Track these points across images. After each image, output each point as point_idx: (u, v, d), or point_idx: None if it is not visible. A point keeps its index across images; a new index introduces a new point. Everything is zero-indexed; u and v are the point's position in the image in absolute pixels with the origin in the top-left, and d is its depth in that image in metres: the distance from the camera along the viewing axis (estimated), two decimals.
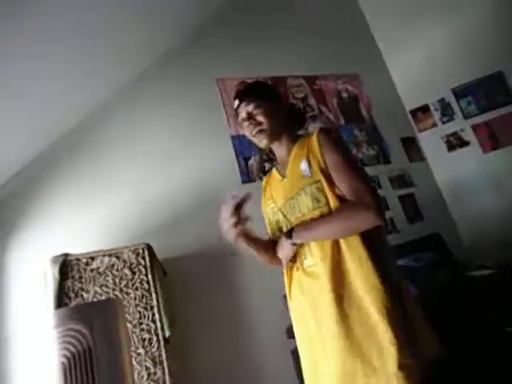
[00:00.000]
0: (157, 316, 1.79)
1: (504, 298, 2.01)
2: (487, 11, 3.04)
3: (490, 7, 3.04)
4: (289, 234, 1.12)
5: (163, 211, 2.34)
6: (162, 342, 1.75)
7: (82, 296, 1.73)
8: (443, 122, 3.11)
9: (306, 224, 1.12)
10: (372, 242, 1.08)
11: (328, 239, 1.09)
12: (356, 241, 1.07)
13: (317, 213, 1.11)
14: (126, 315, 1.71)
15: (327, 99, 3.11)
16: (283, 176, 1.26)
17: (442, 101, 3.12)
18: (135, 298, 1.79)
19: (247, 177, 2.64)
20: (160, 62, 2.69)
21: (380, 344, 0.98)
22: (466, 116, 3.02)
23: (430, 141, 3.15)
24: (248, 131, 1.28)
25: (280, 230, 1.26)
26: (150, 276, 1.84)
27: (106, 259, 1.82)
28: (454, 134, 3.04)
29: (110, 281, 1.79)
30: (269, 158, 2.75)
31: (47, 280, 1.76)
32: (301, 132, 1.39)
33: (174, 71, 2.72)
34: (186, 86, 2.71)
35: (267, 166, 2.72)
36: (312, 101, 3.07)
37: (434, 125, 3.14)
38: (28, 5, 1.59)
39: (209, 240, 2.37)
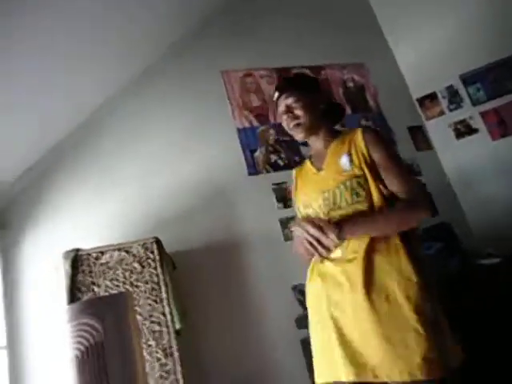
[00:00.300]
0: (167, 309, 1.81)
1: (509, 286, 2.00)
2: None
3: None
4: (337, 228, 1.08)
5: (171, 205, 2.36)
6: (172, 334, 1.78)
7: (93, 290, 1.76)
8: (451, 110, 3.06)
9: (357, 219, 1.11)
10: (408, 235, 1.11)
11: (376, 235, 1.10)
12: (396, 235, 1.10)
13: (357, 206, 1.12)
14: (137, 308, 1.74)
15: (333, 89, 3.09)
16: (319, 169, 1.27)
17: (450, 88, 3.07)
18: (145, 292, 1.82)
19: (253, 169, 2.64)
20: (164, 56, 2.68)
21: (407, 335, 0.99)
22: (475, 103, 2.97)
23: (438, 129, 3.11)
24: (286, 124, 1.31)
25: None
26: (159, 269, 1.87)
27: (116, 253, 1.84)
28: (463, 121, 3.00)
29: (120, 275, 1.82)
30: (275, 150, 2.75)
31: (59, 275, 1.79)
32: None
33: (179, 64, 2.72)
34: (191, 79, 2.71)
35: (273, 158, 2.72)
36: None
37: (442, 113, 3.10)
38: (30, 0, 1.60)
39: (217, 233, 2.40)
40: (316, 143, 1.33)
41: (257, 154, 2.70)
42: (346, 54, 3.19)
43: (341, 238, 1.06)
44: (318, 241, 1.06)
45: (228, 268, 2.35)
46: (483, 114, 2.92)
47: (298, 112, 1.26)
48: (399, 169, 1.14)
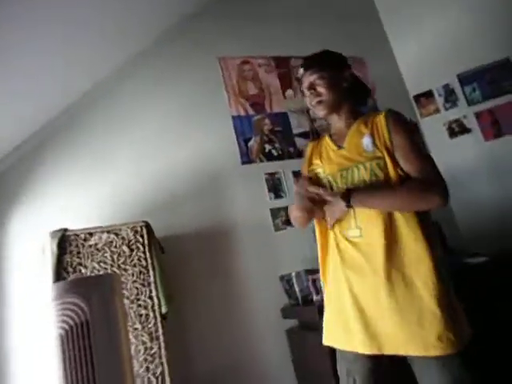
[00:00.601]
0: (154, 292, 1.81)
1: (497, 285, 2.04)
2: None
3: None
4: (345, 195, 1.11)
5: (162, 190, 2.34)
6: (158, 318, 1.78)
7: (80, 271, 1.75)
8: (446, 109, 3.08)
9: (366, 189, 1.14)
10: (425, 221, 1.14)
11: (385, 210, 1.12)
12: (413, 218, 1.12)
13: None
14: (124, 291, 1.73)
15: None
16: (340, 146, 1.28)
17: (446, 86, 3.08)
18: (133, 275, 1.81)
19: (247, 158, 2.63)
20: (160, 39, 2.63)
21: (423, 316, 1.04)
22: (470, 103, 2.98)
23: (432, 127, 3.12)
24: (308, 101, 1.32)
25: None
26: (147, 253, 1.86)
27: (105, 235, 1.83)
28: (457, 120, 3.01)
29: (108, 257, 1.80)
30: (269, 139, 2.74)
31: (46, 254, 1.77)
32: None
33: (176, 48, 2.67)
34: (187, 64, 2.67)
35: (267, 147, 2.71)
36: None
37: (437, 111, 3.11)
38: None
39: (207, 219, 2.39)
40: (337, 121, 1.33)
41: (251, 142, 2.68)
42: (346, 48, 3.15)
43: (350, 205, 1.10)
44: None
45: (216, 255, 2.35)
46: (478, 114, 2.94)
47: (321, 89, 1.27)
48: (418, 153, 1.15)
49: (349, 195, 1.11)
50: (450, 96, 3.06)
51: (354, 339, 1.13)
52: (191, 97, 2.61)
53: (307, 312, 2.08)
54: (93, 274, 1.68)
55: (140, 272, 1.82)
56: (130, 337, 1.67)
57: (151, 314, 1.78)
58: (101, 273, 1.71)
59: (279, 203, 2.57)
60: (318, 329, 1.92)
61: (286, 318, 2.28)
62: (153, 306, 1.79)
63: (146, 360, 1.73)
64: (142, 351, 1.73)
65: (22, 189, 2.16)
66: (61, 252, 1.75)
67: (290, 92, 2.93)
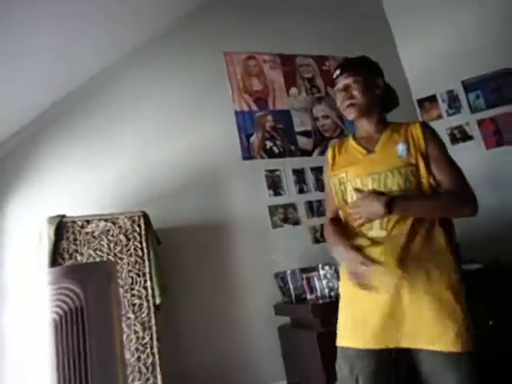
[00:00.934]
0: (148, 283, 1.81)
1: (491, 292, 2.05)
2: (505, 4, 2.96)
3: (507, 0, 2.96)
4: (388, 203, 1.11)
5: (162, 181, 2.34)
6: (152, 309, 1.78)
7: (76, 258, 1.75)
8: (449, 114, 3.08)
9: (408, 197, 1.17)
10: (446, 222, 1.21)
11: (421, 216, 1.17)
12: (437, 222, 1.18)
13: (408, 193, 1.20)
14: (119, 280, 1.73)
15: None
16: (370, 151, 1.30)
17: (450, 92, 3.08)
18: (128, 264, 1.81)
19: (248, 154, 2.63)
20: (170, 28, 2.63)
21: (444, 313, 1.09)
22: (473, 110, 2.99)
23: None
24: (340, 102, 1.34)
25: (343, 199, 1.31)
26: (144, 243, 1.86)
27: (102, 224, 1.82)
28: (459, 127, 3.02)
29: (105, 245, 1.80)
30: (271, 136, 2.74)
31: (42, 240, 1.77)
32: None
33: (183, 39, 2.67)
34: (194, 55, 2.67)
35: (268, 144, 2.71)
36: (319, 82, 3.03)
37: (440, 116, 3.11)
38: None
39: (205, 213, 2.39)
40: (366, 126, 1.34)
41: (252, 138, 2.68)
42: (352, 48, 3.14)
43: (391, 211, 1.11)
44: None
45: (212, 249, 2.35)
46: (480, 122, 2.94)
47: (355, 92, 1.29)
48: (452, 166, 1.22)
49: (391, 203, 1.11)
50: (453, 102, 3.06)
51: (369, 335, 1.15)
52: (197, 88, 2.61)
53: (300, 310, 2.09)
54: (89, 261, 1.68)
55: (135, 262, 1.82)
56: (123, 326, 1.68)
57: (145, 304, 1.78)
58: (97, 260, 1.71)
59: (278, 200, 2.58)
60: (310, 327, 1.94)
61: (278, 314, 2.29)
62: (147, 296, 1.80)
63: (137, 350, 1.73)
64: (134, 341, 1.73)
65: (20, 175, 2.16)
66: (57, 238, 1.75)
67: (293, 90, 2.93)
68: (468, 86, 3.02)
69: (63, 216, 1.80)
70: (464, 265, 2.31)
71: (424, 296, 1.11)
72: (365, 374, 1.16)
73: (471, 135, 2.96)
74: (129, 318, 1.75)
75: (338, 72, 1.35)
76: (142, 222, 1.89)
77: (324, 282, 2.09)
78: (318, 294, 2.09)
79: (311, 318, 1.90)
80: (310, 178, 2.72)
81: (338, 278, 2.04)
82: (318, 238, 2.59)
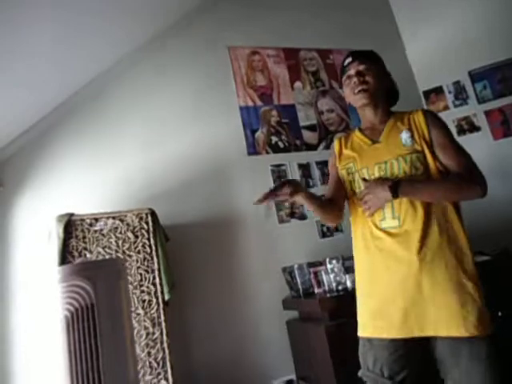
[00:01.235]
0: (157, 279, 1.83)
1: (500, 283, 2.03)
2: None
3: None
4: (393, 186, 1.14)
5: (169, 178, 2.35)
6: (161, 305, 1.80)
7: (85, 256, 1.77)
8: (456, 106, 3.04)
9: (413, 181, 1.18)
10: (459, 209, 1.22)
11: (429, 200, 1.18)
12: (451, 209, 1.19)
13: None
14: (128, 277, 1.75)
15: (339, 74, 3.05)
16: (375, 141, 1.31)
17: (456, 83, 3.04)
18: (137, 261, 1.83)
19: (253, 149, 2.63)
20: (175, 24, 2.62)
21: (463, 299, 1.11)
22: (480, 101, 2.95)
23: None
24: (351, 88, 1.35)
25: (352, 189, 1.34)
26: (152, 240, 1.87)
27: (110, 221, 1.84)
28: (466, 118, 2.98)
29: (113, 243, 1.82)
30: (276, 131, 2.73)
31: (52, 238, 1.79)
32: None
33: (188, 34, 2.66)
34: (198, 50, 2.67)
35: (274, 139, 2.70)
36: (324, 75, 3.01)
37: (446, 108, 3.08)
38: None
39: (212, 209, 2.40)
40: (371, 116, 1.36)
41: (258, 134, 2.68)
42: (356, 39, 3.13)
43: (397, 194, 1.14)
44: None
45: (220, 245, 2.36)
46: (487, 113, 2.91)
47: (368, 78, 1.31)
48: (458, 148, 1.23)
49: (396, 186, 1.14)
50: (460, 93, 3.03)
51: (392, 324, 1.16)
52: (201, 85, 2.61)
53: (308, 304, 2.10)
54: (99, 259, 1.70)
55: (144, 258, 1.84)
56: (133, 322, 1.70)
57: (154, 300, 1.80)
58: (106, 257, 1.73)
59: None
60: (318, 320, 1.95)
61: (287, 309, 2.30)
62: (156, 293, 1.81)
63: (147, 345, 1.75)
64: (144, 336, 1.76)
65: (29, 173, 2.18)
66: (66, 236, 1.77)
67: (298, 84, 2.92)
68: (475, 77, 2.98)
69: (72, 214, 1.82)
70: (474, 258, 2.30)
71: (444, 283, 1.12)
72: (389, 364, 1.16)
73: (478, 126, 2.93)
74: (138, 314, 1.77)
75: (350, 59, 1.37)
76: (149, 219, 1.91)
77: (331, 275, 2.10)
78: (326, 288, 2.10)
79: (319, 311, 1.91)
80: (316, 172, 2.71)
81: (345, 272, 2.05)
82: (325, 232, 2.59)
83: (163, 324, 1.79)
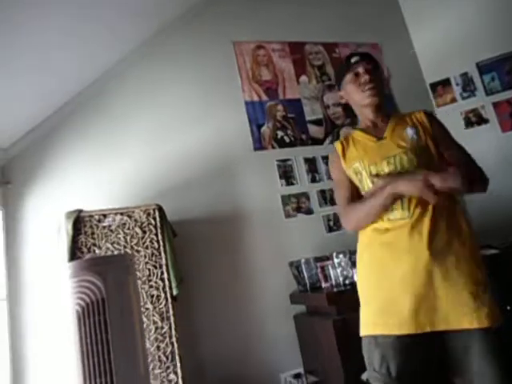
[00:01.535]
0: (165, 274, 1.85)
1: (508, 277, 2.02)
2: None
3: None
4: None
5: (176, 174, 2.36)
6: (169, 300, 1.82)
7: (94, 251, 1.79)
8: (463, 98, 3.01)
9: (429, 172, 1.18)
10: (460, 204, 1.27)
11: (457, 191, 1.19)
12: (454, 202, 1.22)
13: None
14: (136, 272, 1.77)
15: (338, 73, 3.02)
16: (379, 137, 1.32)
17: (464, 75, 3.00)
18: (145, 256, 1.84)
19: (259, 144, 2.63)
20: (180, 19, 2.62)
21: (475, 289, 1.11)
22: (488, 92, 2.92)
23: (448, 116, 3.05)
24: (357, 85, 1.35)
25: (362, 188, 1.33)
26: (159, 236, 1.89)
27: (118, 217, 1.86)
28: (474, 110, 2.95)
29: (122, 238, 1.84)
30: (282, 126, 2.73)
31: (61, 234, 1.81)
32: None
33: (192, 30, 2.66)
34: (203, 45, 2.66)
35: (280, 134, 2.70)
36: (329, 69, 2.99)
37: (454, 100, 3.05)
38: None
39: (218, 204, 2.41)
40: (374, 115, 1.37)
41: (263, 128, 2.68)
42: (361, 31, 3.11)
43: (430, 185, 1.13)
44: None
45: (227, 240, 2.37)
46: (496, 105, 2.88)
47: (376, 78, 1.34)
48: (457, 146, 1.30)
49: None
50: (467, 85, 2.99)
51: (403, 319, 1.13)
52: (206, 80, 2.61)
53: (315, 298, 2.10)
54: (108, 254, 1.72)
55: (152, 254, 1.86)
56: (142, 316, 1.72)
57: (162, 295, 1.82)
58: (115, 253, 1.74)
59: (290, 190, 2.58)
60: (325, 314, 1.96)
61: (294, 303, 2.31)
62: (164, 288, 1.83)
63: (156, 339, 1.77)
64: (153, 330, 1.78)
65: (37, 171, 2.21)
66: (75, 232, 1.79)
67: (303, 78, 2.90)
68: (483, 68, 2.94)
69: (80, 211, 1.84)
70: (480, 250, 2.29)
71: (455, 276, 1.12)
72: (397, 362, 1.13)
73: (487, 118, 2.90)
74: (147, 309, 1.79)
75: (357, 58, 1.37)
76: (157, 214, 1.92)
77: (338, 270, 2.10)
78: (333, 282, 2.10)
79: (327, 305, 1.91)
80: (322, 166, 2.70)
81: (352, 266, 2.05)
82: (332, 226, 2.59)
83: (172, 318, 1.80)
